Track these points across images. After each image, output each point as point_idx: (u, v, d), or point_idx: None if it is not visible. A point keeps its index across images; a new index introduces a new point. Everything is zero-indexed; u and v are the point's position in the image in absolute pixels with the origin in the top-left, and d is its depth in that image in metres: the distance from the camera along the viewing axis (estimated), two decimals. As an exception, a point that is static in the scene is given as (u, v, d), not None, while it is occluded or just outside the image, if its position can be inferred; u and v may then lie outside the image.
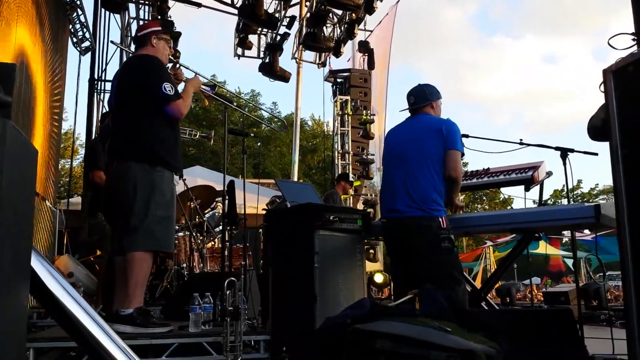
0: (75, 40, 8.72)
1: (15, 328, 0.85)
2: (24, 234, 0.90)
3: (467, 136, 4.00)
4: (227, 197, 4.10)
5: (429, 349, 1.73)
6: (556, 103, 62.27)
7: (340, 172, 10.75)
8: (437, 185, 3.37)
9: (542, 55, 67.21)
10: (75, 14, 8.32)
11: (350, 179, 8.20)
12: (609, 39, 2.27)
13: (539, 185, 4.05)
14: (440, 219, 3.32)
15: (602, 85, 2.21)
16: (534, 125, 58.50)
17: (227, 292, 2.99)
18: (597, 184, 35.18)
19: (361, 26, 11.38)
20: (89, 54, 9.20)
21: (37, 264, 0.94)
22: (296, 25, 10.56)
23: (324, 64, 12.36)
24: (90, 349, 0.98)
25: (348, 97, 12.19)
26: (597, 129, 2.43)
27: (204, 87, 3.87)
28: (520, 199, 4.13)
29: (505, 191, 4.19)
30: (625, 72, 2.08)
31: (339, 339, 1.93)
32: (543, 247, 14.04)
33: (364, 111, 11.97)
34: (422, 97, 3.65)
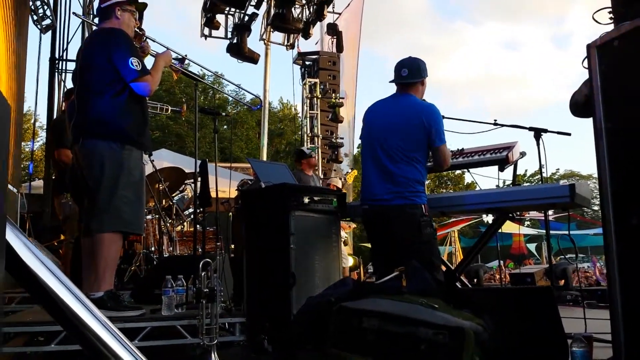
0: (35, 17, 8.33)
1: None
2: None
3: (442, 117, 3.98)
4: (199, 177, 3.98)
5: (417, 326, 1.70)
6: (516, 88, 63.57)
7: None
8: (419, 173, 3.34)
9: (502, 42, 68.29)
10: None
11: (306, 150, 7.50)
12: (593, 14, 2.25)
13: (512, 166, 4.06)
14: (422, 206, 3.30)
15: (586, 60, 2.19)
16: (495, 110, 59.65)
17: (202, 274, 2.90)
18: (558, 169, 36.09)
19: (330, 8, 11.25)
20: (49, 33, 8.82)
21: (13, 237, 0.85)
22: (264, 5, 10.37)
23: (292, 46, 12.19)
24: (72, 327, 0.89)
25: (317, 80, 12.10)
26: (580, 104, 2.42)
27: (173, 60, 3.74)
28: (486, 179, 4.15)
29: (477, 172, 4.18)
30: (611, 46, 2.07)
31: (323, 318, 1.88)
32: (509, 227, 14.29)
33: (333, 94, 11.91)
34: (417, 72, 3.49)
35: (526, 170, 35.21)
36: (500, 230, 4.05)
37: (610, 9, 2.60)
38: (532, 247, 25.25)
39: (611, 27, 2.59)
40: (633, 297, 2.02)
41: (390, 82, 3.58)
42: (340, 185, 7.59)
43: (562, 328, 2.48)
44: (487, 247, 4.21)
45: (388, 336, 1.71)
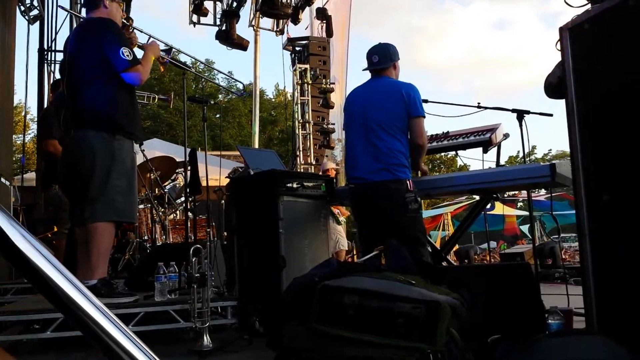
0: (23, 8, 8.29)
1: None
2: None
3: (426, 101, 4.04)
4: (189, 166, 4.05)
5: (394, 301, 1.78)
6: (506, 69, 63.49)
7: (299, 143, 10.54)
8: (402, 149, 3.40)
9: (491, 22, 68.02)
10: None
11: None
12: (565, -3, 2.32)
13: (496, 147, 4.14)
14: (407, 182, 3.36)
15: (559, 42, 2.26)
16: (485, 92, 59.53)
17: (193, 260, 2.98)
18: (550, 149, 36.25)
19: (318, -8, 11.23)
20: (37, 23, 8.77)
21: (4, 221, 0.91)
22: (252, -9, 10.35)
23: (282, 32, 12.14)
24: (66, 309, 0.96)
25: (307, 66, 12.08)
26: (554, 86, 2.49)
27: (160, 52, 3.77)
28: (478, 162, 4.21)
29: (463, 154, 4.28)
30: (581, 29, 2.13)
31: (307, 297, 1.96)
32: (499, 209, 14.46)
33: (324, 80, 11.91)
34: (387, 57, 3.62)
35: (518, 152, 35.37)
36: (493, 212, 4.15)
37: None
38: (525, 228, 25.46)
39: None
40: (604, 272, 2.11)
41: (364, 70, 3.70)
42: (335, 171, 7.71)
43: (540, 302, 2.58)
44: (481, 229, 4.30)
45: (368, 311, 1.79)
